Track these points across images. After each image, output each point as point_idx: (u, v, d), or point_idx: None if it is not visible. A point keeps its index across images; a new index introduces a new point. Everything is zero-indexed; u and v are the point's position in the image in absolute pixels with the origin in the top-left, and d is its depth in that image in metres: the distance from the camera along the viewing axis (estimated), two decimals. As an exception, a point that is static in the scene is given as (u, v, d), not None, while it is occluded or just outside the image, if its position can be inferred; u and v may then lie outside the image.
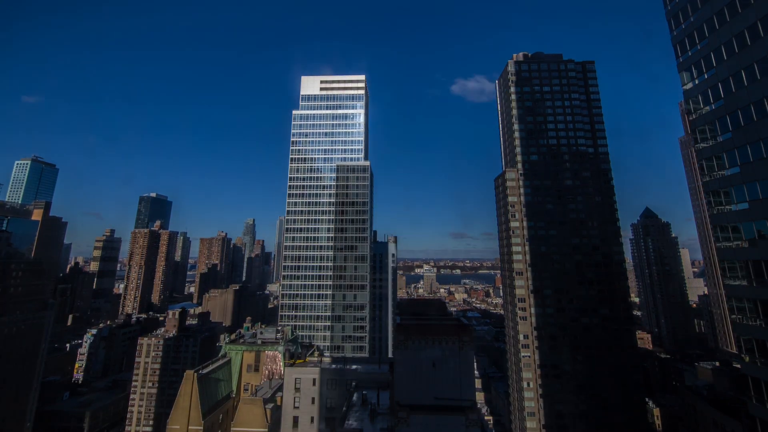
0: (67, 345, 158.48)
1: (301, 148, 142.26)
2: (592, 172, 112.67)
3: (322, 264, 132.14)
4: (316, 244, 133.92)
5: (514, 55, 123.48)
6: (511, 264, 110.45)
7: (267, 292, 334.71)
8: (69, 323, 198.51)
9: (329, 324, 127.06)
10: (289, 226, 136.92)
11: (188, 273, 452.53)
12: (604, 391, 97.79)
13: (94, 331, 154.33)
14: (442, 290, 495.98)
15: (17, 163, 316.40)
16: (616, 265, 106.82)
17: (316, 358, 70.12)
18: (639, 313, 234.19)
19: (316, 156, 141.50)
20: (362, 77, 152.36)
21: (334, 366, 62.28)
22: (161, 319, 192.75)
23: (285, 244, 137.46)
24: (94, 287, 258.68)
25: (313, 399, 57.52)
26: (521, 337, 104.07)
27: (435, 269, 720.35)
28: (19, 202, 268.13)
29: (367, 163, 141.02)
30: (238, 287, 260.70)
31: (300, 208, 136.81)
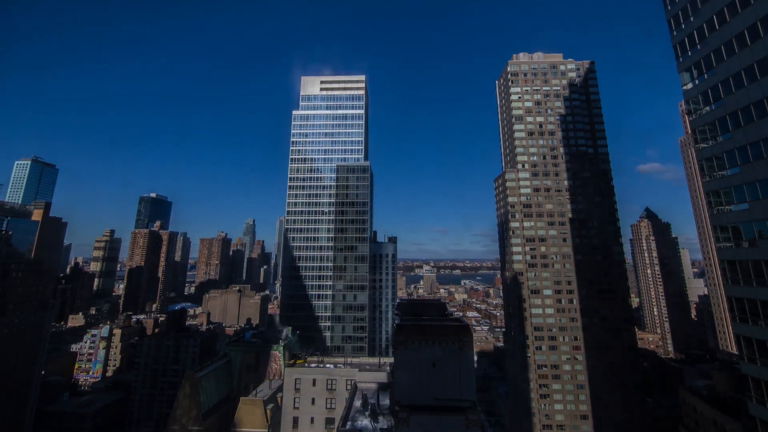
0: (72, 346, 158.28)
1: (301, 148, 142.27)
2: (592, 172, 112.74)
3: (322, 264, 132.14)
4: (316, 244, 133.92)
5: (514, 55, 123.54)
6: (511, 264, 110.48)
7: (267, 292, 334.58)
8: (69, 324, 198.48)
9: (329, 324, 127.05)
10: (289, 227, 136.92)
11: (188, 273, 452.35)
12: (604, 391, 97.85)
13: (94, 332, 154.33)
14: (442, 290, 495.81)
15: (17, 163, 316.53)
16: (616, 265, 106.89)
17: (316, 359, 70.11)
18: (639, 314, 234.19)
19: (316, 156, 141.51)
20: (362, 77, 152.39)
21: (334, 366, 62.28)
22: (161, 320, 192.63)
23: (285, 244, 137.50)
24: (94, 288, 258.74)
25: (313, 399, 57.53)
26: (521, 337, 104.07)
27: (435, 269, 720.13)
28: (19, 202, 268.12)
29: (367, 163, 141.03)
30: (238, 288, 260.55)
31: (300, 209, 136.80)
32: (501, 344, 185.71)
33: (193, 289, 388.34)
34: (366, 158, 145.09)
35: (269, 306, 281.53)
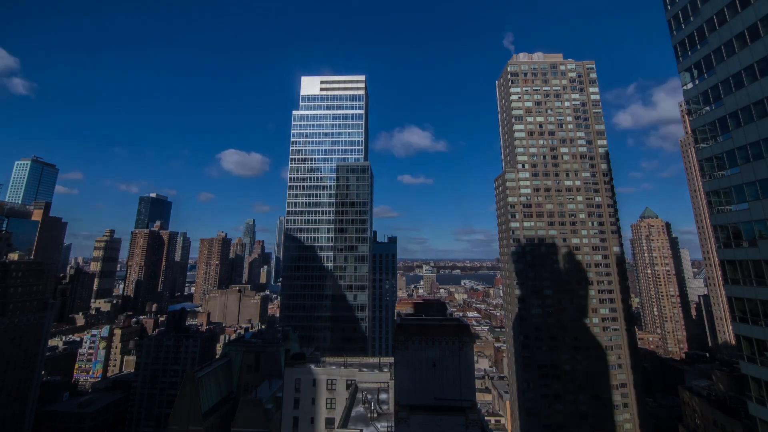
0: (72, 346, 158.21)
1: (301, 148, 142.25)
2: (591, 172, 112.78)
3: (322, 264, 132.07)
4: (316, 244, 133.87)
5: (514, 55, 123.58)
6: (511, 264, 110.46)
7: (267, 292, 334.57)
8: (69, 324, 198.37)
9: (329, 324, 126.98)
10: (289, 227, 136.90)
11: (188, 273, 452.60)
12: (604, 391, 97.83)
13: (94, 332, 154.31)
14: (442, 290, 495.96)
15: (17, 163, 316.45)
16: (616, 265, 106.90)
17: (315, 359, 70.06)
18: (639, 314, 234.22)
19: (316, 156, 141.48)
20: (362, 77, 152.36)
21: (334, 366, 62.23)
22: (161, 320, 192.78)
23: (285, 244, 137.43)
24: (94, 288, 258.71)
25: (313, 399, 57.49)
26: (521, 337, 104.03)
27: (435, 269, 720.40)
28: (19, 202, 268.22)
29: (367, 163, 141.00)
30: (238, 288, 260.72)
31: (300, 209, 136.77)
32: (501, 344, 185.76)
33: (193, 289, 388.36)
34: (366, 158, 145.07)
35: (269, 306, 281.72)
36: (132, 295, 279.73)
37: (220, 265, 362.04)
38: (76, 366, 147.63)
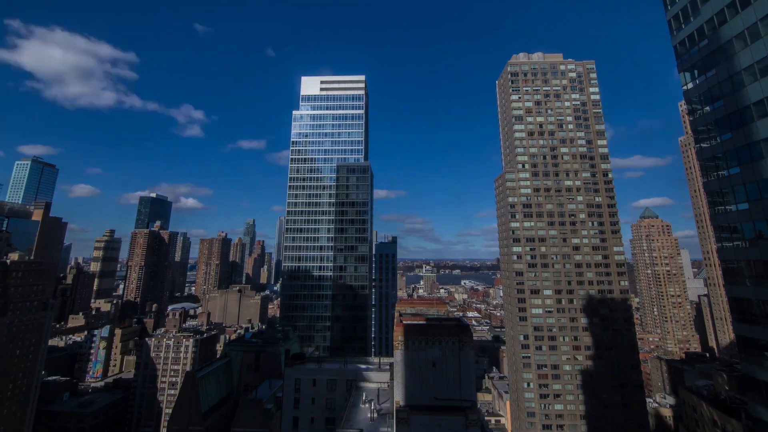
0: (72, 346, 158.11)
1: (301, 148, 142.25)
2: (591, 172, 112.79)
3: (322, 264, 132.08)
4: (316, 244, 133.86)
5: (514, 55, 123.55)
6: (511, 264, 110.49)
7: (267, 292, 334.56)
8: (69, 324, 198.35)
9: (329, 324, 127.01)
10: (289, 226, 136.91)
11: (188, 273, 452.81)
12: (604, 391, 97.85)
13: (94, 332, 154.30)
14: (442, 290, 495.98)
15: (17, 163, 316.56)
16: (616, 265, 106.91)
17: (316, 359, 70.06)
18: (639, 314, 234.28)
19: (317, 156, 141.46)
20: (362, 78, 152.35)
21: (334, 366, 62.22)
22: (162, 320, 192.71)
23: (285, 244, 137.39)
24: (94, 288, 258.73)
25: (313, 399, 57.43)
26: (521, 337, 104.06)
27: (435, 269, 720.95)
28: (19, 202, 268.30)
29: (368, 163, 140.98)
30: (238, 288, 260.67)
31: (300, 209, 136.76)
32: (501, 344, 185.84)
33: (193, 289, 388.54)
34: (366, 158, 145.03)
35: (269, 306, 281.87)
36: (132, 295, 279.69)
37: (220, 265, 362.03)
38: (76, 366, 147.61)
